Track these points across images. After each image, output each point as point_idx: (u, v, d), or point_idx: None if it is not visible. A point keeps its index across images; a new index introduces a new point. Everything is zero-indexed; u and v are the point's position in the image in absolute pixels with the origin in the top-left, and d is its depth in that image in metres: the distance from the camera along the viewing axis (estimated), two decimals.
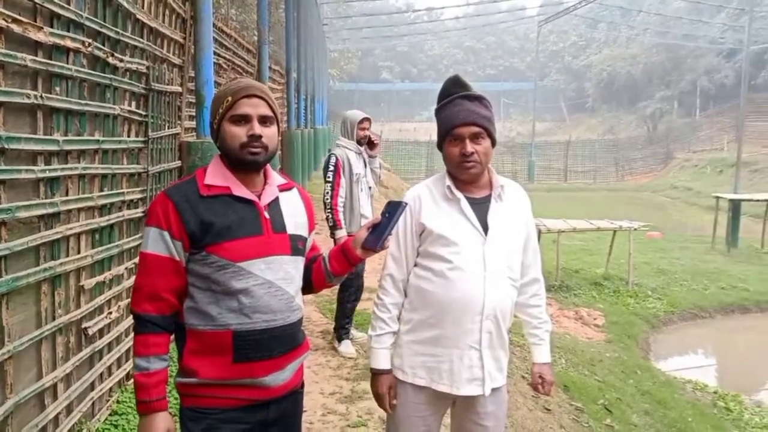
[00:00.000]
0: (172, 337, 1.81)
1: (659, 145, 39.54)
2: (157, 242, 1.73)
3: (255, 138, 1.76)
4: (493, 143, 2.11)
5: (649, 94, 44.27)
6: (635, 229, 10.23)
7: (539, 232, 10.04)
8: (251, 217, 1.78)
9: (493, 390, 2.13)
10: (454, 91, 2.12)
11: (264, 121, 1.80)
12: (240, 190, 1.79)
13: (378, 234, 1.91)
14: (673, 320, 9.31)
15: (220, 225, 1.73)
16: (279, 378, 1.82)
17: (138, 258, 1.78)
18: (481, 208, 2.11)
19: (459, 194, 2.11)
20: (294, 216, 1.90)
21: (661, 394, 6.26)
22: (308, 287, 2.00)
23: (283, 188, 1.92)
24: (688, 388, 6.81)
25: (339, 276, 2.01)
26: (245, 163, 1.78)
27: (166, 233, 1.72)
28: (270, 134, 1.81)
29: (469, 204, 2.10)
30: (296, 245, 1.87)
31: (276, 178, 1.92)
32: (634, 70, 46.32)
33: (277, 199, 1.87)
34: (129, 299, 3.65)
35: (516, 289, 2.17)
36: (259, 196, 1.82)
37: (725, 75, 41.90)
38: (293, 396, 1.93)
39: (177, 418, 1.82)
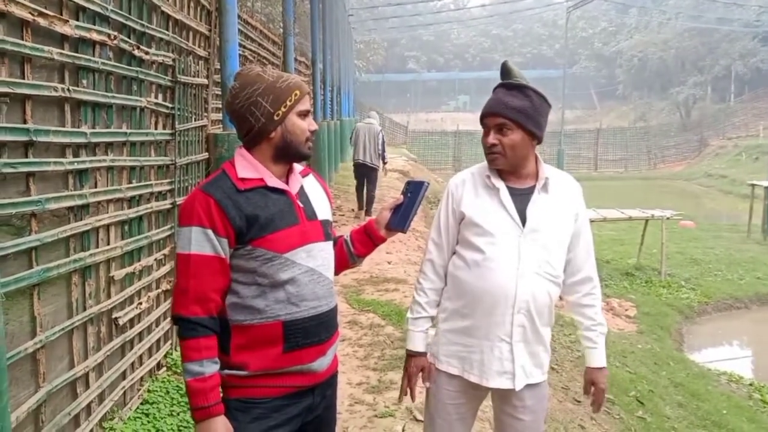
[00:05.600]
0: None
1: (692, 132, 38.64)
2: (201, 242, 1.70)
3: (314, 132, 1.86)
4: (533, 136, 2.02)
5: (682, 80, 43.26)
6: (668, 218, 10.04)
7: None
8: (287, 207, 1.80)
9: (531, 386, 2.10)
10: (503, 79, 2.08)
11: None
12: (273, 181, 1.80)
13: (403, 215, 1.92)
14: (707, 311, 9.12)
15: (263, 218, 1.73)
16: (323, 363, 1.85)
17: (176, 259, 1.76)
18: (522, 199, 2.05)
19: (499, 184, 2.05)
20: (319, 202, 1.92)
21: (694, 386, 6.14)
22: None
23: (303, 174, 1.95)
24: (723, 380, 6.67)
25: (362, 257, 2.04)
26: (306, 155, 1.84)
27: (210, 231, 1.70)
28: None
29: (509, 194, 2.04)
30: (327, 231, 1.90)
31: (296, 166, 1.93)
32: (666, 55, 45.28)
33: (302, 186, 1.89)
34: (159, 289, 3.72)
35: (556, 285, 2.08)
36: (286, 185, 1.85)
37: (761, 59, 40.72)
38: (333, 380, 1.96)
39: None
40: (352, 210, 10.90)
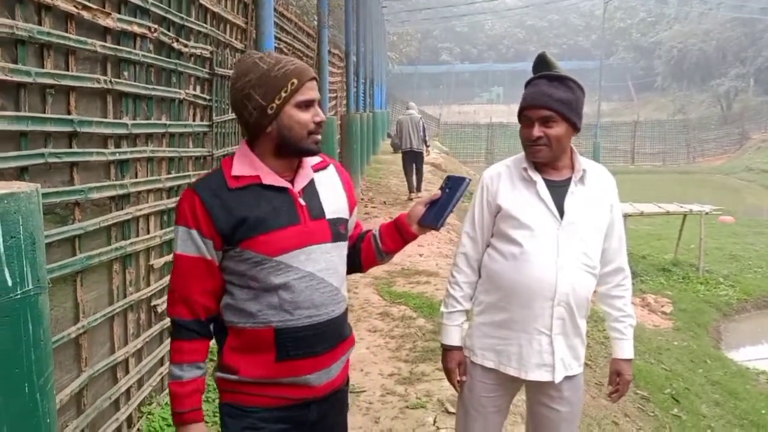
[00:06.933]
0: (212, 342, 1.72)
1: (733, 125, 37.61)
2: (186, 242, 1.62)
3: (321, 125, 1.66)
4: (575, 127, 2.01)
5: (723, 72, 42.12)
6: (706, 213, 9.83)
7: None
8: (285, 205, 1.64)
9: (569, 377, 2.08)
10: (537, 70, 2.05)
11: (319, 104, 1.69)
12: (270, 178, 1.64)
13: (438, 211, 1.79)
14: (746, 308, 8.92)
15: (253, 218, 1.59)
16: (323, 377, 1.70)
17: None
18: (559, 191, 2.03)
19: (536, 176, 2.04)
20: (332, 198, 1.74)
21: (732, 385, 6.02)
22: (356, 267, 1.89)
23: (318, 168, 1.76)
24: (762, 379, 6.52)
25: (391, 254, 1.89)
26: (311, 151, 1.66)
27: (194, 232, 1.61)
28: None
29: (546, 187, 2.03)
30: (337, 230, 1.72)
31: (307, 159, 1.74)
32: (706, 46, 44.15)
33: (312, 181, 1.72)
34: None
35: (594, 276, 2.07)
36: (292, 181, 1.68)
37: None
38: (336, 396, 1.79)
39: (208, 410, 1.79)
40: (384, 202, 11.01)
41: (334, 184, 1.78)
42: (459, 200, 1.79)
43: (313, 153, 1.68)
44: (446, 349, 2.20)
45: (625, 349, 2.19)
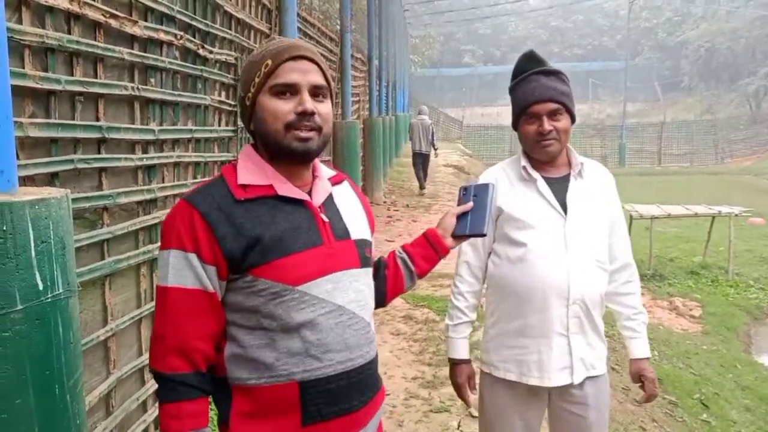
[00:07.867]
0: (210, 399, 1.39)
1: (763, 125, 36.83)
2: (181, 270, 1.29)
3: (306, 115, 1.31)
4: (573, 119, 2.01)
5: (752, 71, 41.28)
6: (736, 215, 9.63)
7: (630, 218, 9.65)
8: (305, 222, 1.35)
9: (591, 379, 2.02)
10: (529, 67, 2.02)
11: (317, 93, 1.34)
12: (287, 189, 1.35)
13: (477, 217, 1.68)
14: None
15: (268, 237, 1.29)
16: None
17: (156, 294, 1.36)
18: (559, 187, 2.00)
19: (536, 174, 2.01)
20: (354, 216, 1.48)
21: (763, 390, 5.88)
22: (379, 300, 1.60)
23: (334, 182, 1.49)
24: None
25: (423, 275, 1.66)
26: (292, 152, 1.33)
27: (192, 256, 1.28)
28: (325, 112, 1.35)
29: (546, 184, 2.01)
30: (364, 254, 1.45)
31: (324, 169, 1.48)
32: (735, 45, 43.35)
33: (331, 196, 1.44)
34: None
35: (605, 271, 2.02)
36: (309, 194, 1.40)
37: None
38: None
39: None
40: (407, 206, 11.06)
41: (353, 201, 1.52)
42: (492, 203, 1.73)
43: (299, 154, 1.34)
44: (454, 363, 2.13)
45: (641, 347, 2.15)
